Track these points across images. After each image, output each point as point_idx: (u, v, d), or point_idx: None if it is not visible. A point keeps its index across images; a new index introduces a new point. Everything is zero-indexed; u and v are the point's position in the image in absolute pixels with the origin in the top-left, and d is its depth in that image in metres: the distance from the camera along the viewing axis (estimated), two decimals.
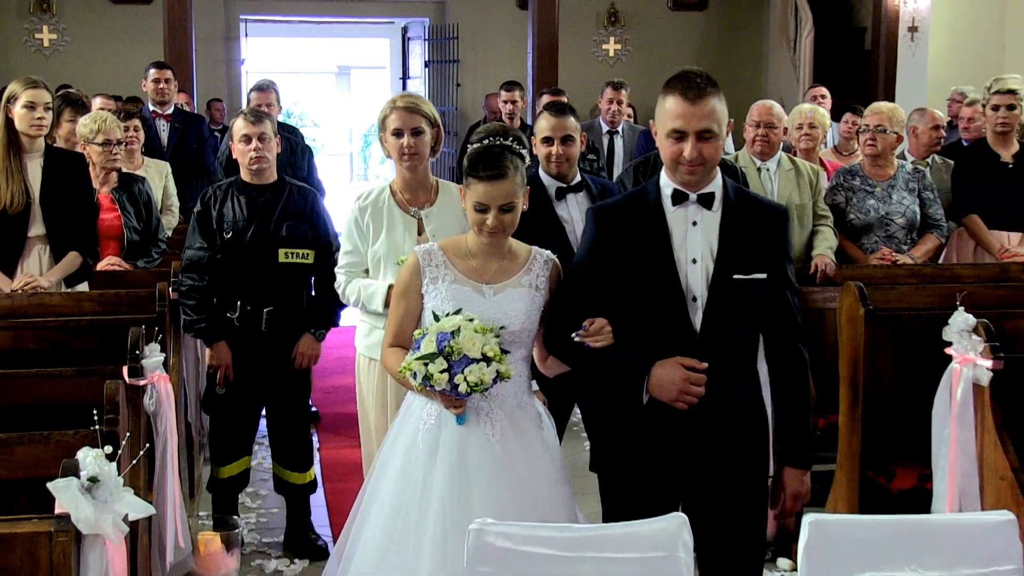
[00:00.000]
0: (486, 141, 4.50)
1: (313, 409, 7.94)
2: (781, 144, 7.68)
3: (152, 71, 10.55)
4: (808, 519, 3.28)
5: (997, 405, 5.28)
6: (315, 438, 6.35)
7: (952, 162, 8.79)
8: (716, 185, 4.12)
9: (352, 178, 26.19)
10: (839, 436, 6.29)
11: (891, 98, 11.33)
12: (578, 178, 5.98)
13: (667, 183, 4.13)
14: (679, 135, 3.96)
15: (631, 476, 4.36)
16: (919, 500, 5.67)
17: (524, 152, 4.54)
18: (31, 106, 6.57)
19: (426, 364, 4.08)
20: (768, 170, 7.43)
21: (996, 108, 8.25)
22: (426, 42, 19.28)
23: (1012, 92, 8.24)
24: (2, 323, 5.69)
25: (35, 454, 3.94)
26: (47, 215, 6.70)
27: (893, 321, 5.98)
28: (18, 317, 5.88)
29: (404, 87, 19.81)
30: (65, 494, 3.32)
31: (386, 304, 5.19)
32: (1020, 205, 8.26)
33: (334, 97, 23.34)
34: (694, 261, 4.06)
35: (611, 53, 19.06)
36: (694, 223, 4.09)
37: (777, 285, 4.14)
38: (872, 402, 6.02)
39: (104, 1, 17.54)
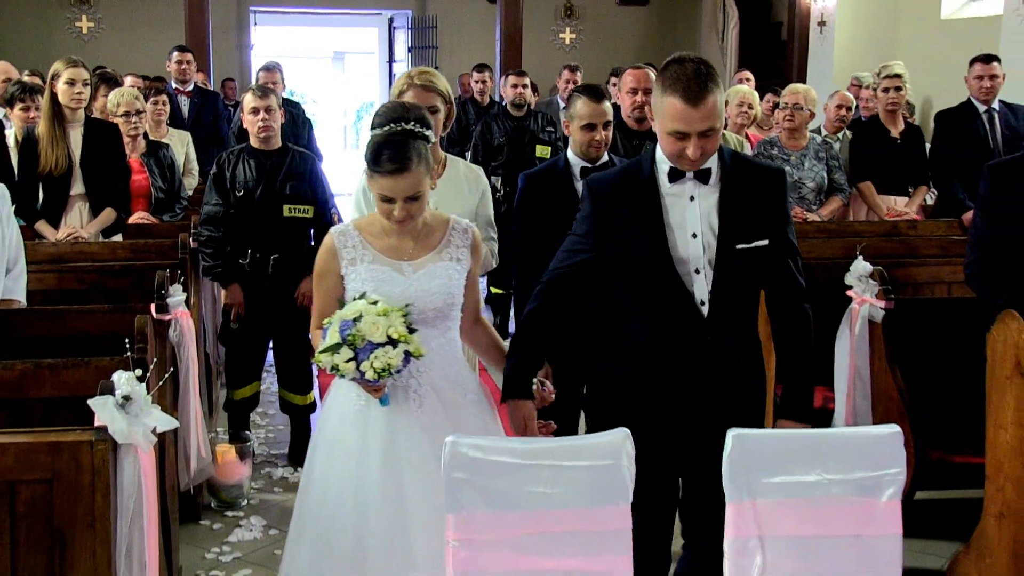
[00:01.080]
0: (388, 127, 3.83)
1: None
2: None
3: (175, 54, 10.58)
4: (731, 433, 3.27)
5: (887, 338, 5.40)
6: (314, 367, 6.35)
7: None
8: (712, 160, 3.67)
9: (345, 147, 26.08)
10: None
11: (803, 81, 11.35)
12: (605, 158, 5.15)
13: (663, 160, 3.67)
14: (681, 135, 3.51)
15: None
16: (823, 417, 5.71)
17: (429, 132, 3.89)
18: (71, 83, 6.61)
19: (332, 355, 3.55)
20: None
21: (886, 90, 8.47)
22: (409, 31, 19.27)
23: (898, 76, 8.43)
24: (49, 267, 5.73)
25: (78, 376, 3.93)
26: (86, 176, 6.76)
27: (804, 269, 5.96)
28: (63, 262, 5.93)
29: (391, 70, 19.92)
30: (103, 409, 3.32)
31: None
32: (906, 174, 8.41)
33: (330, 78, 23.19)
34: (694, 236, 3.64)
35: (567, 41, 19.10)
36: (691, 198, 3.66)
37: (779, 249, 3.73)
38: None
39: None
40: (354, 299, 3.68)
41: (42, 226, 6.55)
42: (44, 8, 17.14)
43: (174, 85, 10.33)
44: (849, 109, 9.06)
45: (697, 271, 3.64)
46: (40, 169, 6.59)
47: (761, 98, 10.42)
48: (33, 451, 3.15)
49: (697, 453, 3.77)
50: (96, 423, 3.33)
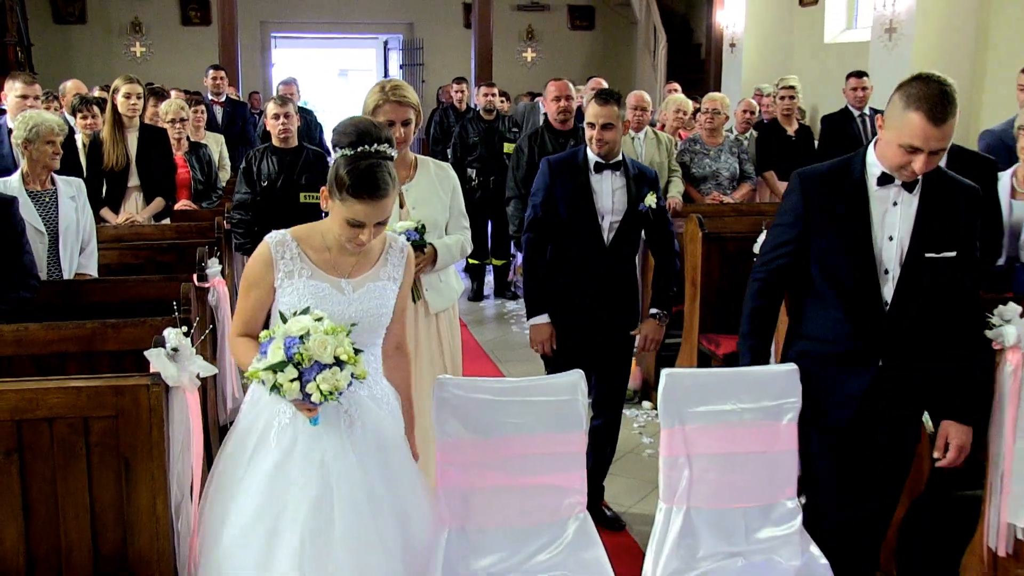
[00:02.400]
0: (361, 148, 2.97)
1: None
2: (648, 121, 7.65)
3: (210, 72, 10.58)
4: (665, 372, 3.29)
5: (786, 292, 5.30)
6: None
7: None
8: None
9: None
10: (684, 319, 6.30)
11: (718, 91, 11.33)
12: (619, 158, 4.67)
13: (875, 163, 3.24)
14: (914, 150, 3.07)
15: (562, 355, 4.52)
16: (735, 359, 5.72)
17: (393, 151, 3.08)
18: (128, 96, 6.70)
19: (275, 373, 2.79)
20: (639, 139, 7.45)
21: (783, 98, 8.72)
22: (400, 51, 19.15)
23: (792, 87, 8.69)
24: (112, 245, 5.70)
25: (136, 333, 3.90)
26: (140, 172, 6.77)
27: (720, 241, 5.99)
28: (122, 241, 5.89)
29: None
30: (156, 359, 3.28)
31: None
32: (799, 164, 8.30)
33: (336, 90, 23.05)
34: (890, 238, 3.21)
35: (528, 59, 19.02)
36: (895, 203, 3.21)
37: (962, 263, 3.24)
38: (705, 295, 6.04)
39: (177, 24, 17.58)
40: (294, 314, 2.91)
41: (105, 212, 6.53)
42: (106, 37, 17.19)
43: (210, 96, 10.29)
44: (754, 113, 9.09)
45: (887, 272, 3.23)
46: (103, 166, 6.65)
47: None
48: (102, 393, 3.13)
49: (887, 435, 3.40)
50: (151, 370, 3.30)
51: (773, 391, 3.33)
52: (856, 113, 8.38)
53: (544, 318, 4.60)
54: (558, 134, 6.52)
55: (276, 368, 2.79)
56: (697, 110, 8.09)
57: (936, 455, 3.36)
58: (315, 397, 2.78)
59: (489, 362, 7.71)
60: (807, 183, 3.34)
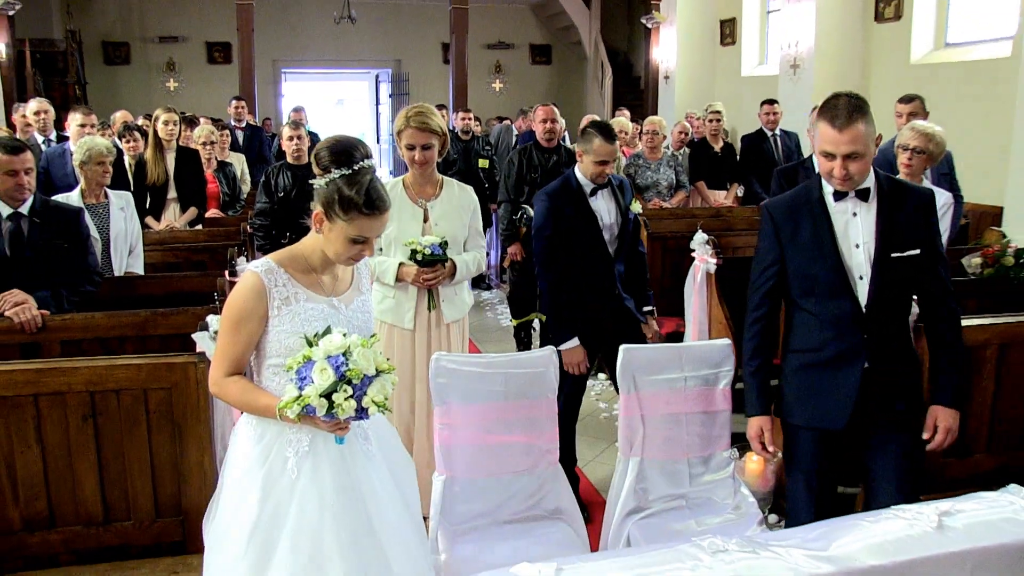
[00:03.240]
0: (358, 166, 2.52)
1: None
2: None
3: (233, 102, 10.51)
4: (622, 348, 3.30)
5: (718, 284, 5.37)
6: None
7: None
8: (870, 180, 2.99)
9: None
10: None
11: (656, 115, 11.35)
12: (604, 180, 4.37)
13: (827, 184, 3.03)
14: (828, 155, 2.92)
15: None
16: (678, 337, 5.79)
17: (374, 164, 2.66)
18: (167, 123, 6.72)
19: (327, 396, 2.32)
20: None
21: (710, 121, 8.62)
22: (390, 83, 19.06)
23: (718, 111, 8.58)
24: (155, 248, 5.69)
25: (181, 320, 3.89)
26: (177, 186, 6.75)
27: (662, 239, 6.04)
28: (163, 244, 5.86)
29: (376, 111, 19.75)
30: (202, 341, 3.32)
31: (397, 278, 4.02)
32: (724, 176, 8.49)
33: (335, 117, 22.91)
34: (857, 246, 2.98)
35: (497, 89, 19.02)
36: (854, 214, 2.99)
37: (929, 257, 3.00)
38: (652, 285, 6.04)
39: (204, 63, 17.57)
40: (317, 335, 2.44)
41: (149, 220, 6.50)
42: (147, 75, 17.27)
43: (232, 122, 10.20)
44: (687, 133, 9.10)
45: (861, 277, 2.98)
46: (147, 182, 6.61)
47: None
48: (158, 369, 3.15)
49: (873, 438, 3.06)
50: (197, 350, 3.32)
51: (711, 362, 3.36)
52: (769, 134, 8.44)
53: (575, 342, 4.25)
54: (544, 150, 6.59)
55: (331, 391, 2.33)
56: (644, 132, 8.11)
57: (926, 436, 3.04)
58: (372, 410, 2.38)
59: (471, 344, 7.74)
60: (774, 210, 3.11)
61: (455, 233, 4.10)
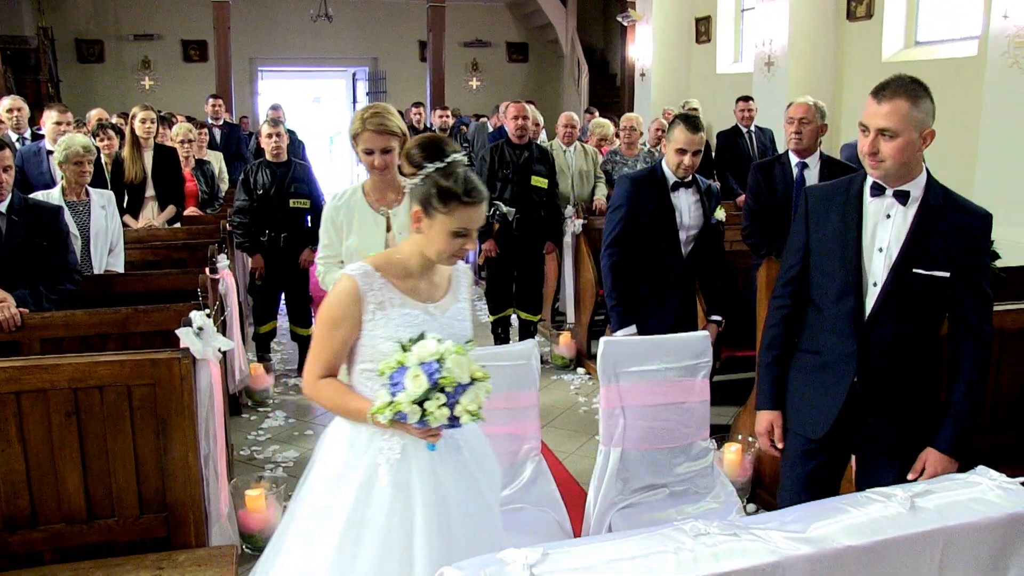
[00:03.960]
0: (449, 160, 2.49)
1: (310, 294, 7.89)
2: (578, 136, 7.70)
3: (210, 100, 10.45)
4: (603, 340, 3.35)
5: (587, 246, 5.29)
6: (312, 310, 6.41)
7: None
8: (917, 185, 2.66)
9: (329, 161, 25.87)
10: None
11: (632, 112, 11.41)
12: (690, 177, 4.34)
13: (871, 175, 2.71)
14: (864, 129, 2.66)
15: None
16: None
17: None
18: (144, 121, 6.65)
19: (420, 404, 2.27)
20: (570, 151, 7.48)
21: None
22: (367, 81, 19.02)
23: (694, 108, 8.60)
24: (136, 246, 5.65)
25: (163, 316, 3.89)
26: (156, 184, 6.69)
27: None
28: (143, 242, 5.81)
29: (354, 111, 19.53)
30: (185, 336, 3.30)
31: None
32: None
33: (312, 115, 22.83)
34: (880, 250, 2.67)
35: (474, 86, 19.03)
36: (888, 216, 2.68)
37: (963, 286, 2.65)
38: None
39: (180, 61, 17.47)
40: (411, 340, 2.39)
41: (127, 219, 6.45)
42: (121, 73, 17.14)
43: (210, 120, 10.16)
44: (662, 130, 9.11)
45: (875, 284, 2.69)
46: (125, 179, 6.57)
47: None
48: (142, 365, 3.15)
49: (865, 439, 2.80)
50: (181, 346, 3.31)
51: (690, 353, 3.42)
52: (744, 130, 8.49)
53: (632, 329, 4.17)
54: (515, 147, 6.59)
55: (424, 398, 2.27)
56: (622, 128, 8.13)
57: (911, 477, 2.69)
58: (465, 419, 2.29)
59: None
60: (811, 195, 2.87)
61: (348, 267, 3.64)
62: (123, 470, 3.17)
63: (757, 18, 11.61)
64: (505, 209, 6.29)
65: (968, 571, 1.97)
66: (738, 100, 8.64)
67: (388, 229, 3.70)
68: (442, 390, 2.27)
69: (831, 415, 2.74)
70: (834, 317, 2.74)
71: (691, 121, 4.22)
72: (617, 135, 8.52)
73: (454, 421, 2.29)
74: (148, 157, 6.65)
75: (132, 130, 6.58)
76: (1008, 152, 7.46)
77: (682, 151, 4.20)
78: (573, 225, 6.97)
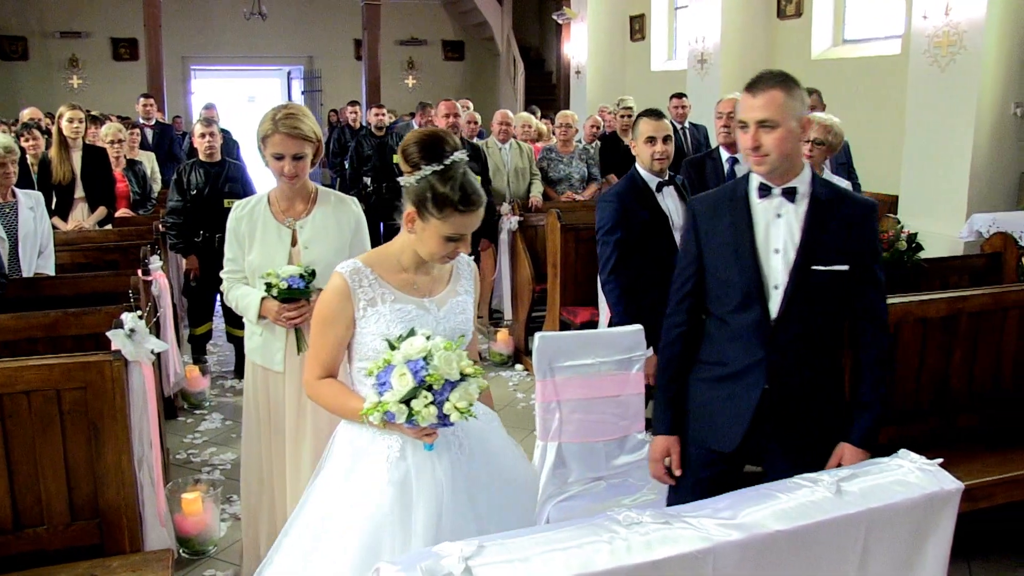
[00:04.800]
0: (449, 161, 2.36)
1: None
2: (512, 134, 7.71)
3: (141, 99, 10.24)
4: (538, 335, 3.34)
5: (523, 243, 5.38)
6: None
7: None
8: (802, 180, 2.62)
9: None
10: (548, 295, 6.42)
11: (568, 109, 11.50)
12: (668, 176, 4.17)
13: (755, 176, 2.65)
14: (743, 126, 2.60)
15: None
16: (591, 326, 5.83)
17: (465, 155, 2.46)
18: (71, 120, 6.53)
19: (407, 403, 2.21)
20: (505, 148, 7.50)
21: (622, 116, 8.63)
22: (302, 80, 18.89)
23: (629, 107, 8.64)
24: (65, 248, 5.53)
25: (95, 319, 3.82)
26: (85, 185, 6.58)
27: (575, 231, 6.06)
28: (73, 245, 5.70)
29: None
30: (117, 338, 3.26)
31: (260, 316, 3.33)
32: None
33: (247, 114, 22.54)
34: (776, 251, 2.60)
35: (410, 85, 19.03)
36: (778, 215, 2.62)
37: (861, 278, 2.62)
38: (564, 275, 6.12)
39: (109, 60, 17.25)
40: (399, 338, 2.33)
41: (55, 221, 6.30)
42: (47, 71, 16.88)
43: (141, 120, 9.98)
44: (598, 127, 9.24)
45: (776, 287, 2.61)
46: (52, 180, 6.44)
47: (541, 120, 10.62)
48: (72, 369, 3.07)
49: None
50: (112, 348, 3.26)
51: (623, 347, 3.43)
52: (678, 127, 8.51)
53: (650, 351, 3.70)
54: None
55: (410, 397, 2.21)
56: (558, 126, 8.17)
57: None
58: (454, 417, 2.21)
59: None
60: (696, 207, 2.78)
61: (329, 258, 3.22)
62: (53, 476, 3.09)
63: (690, 16, 11.78)
64: None
65: (890, 549, 2.04)
66: (672, 97, 8.74)
67: (294, 243, 3.37)
68: (429, 388, 2.20)
69: (742, 426, 2.66)
70: (738, 326, 2.65)
71: (651, 111, 4.17)
72: (553, 132, 8.56)
73: (444, 419, 2.22)
74: (77, 158, 6.53)
75: (59, 130, 6.44)
76: (931, 147, 7.69)
77: (651, 139, 4.07)
78: (509, 222, 7.00)
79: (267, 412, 3.42)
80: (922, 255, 4.91)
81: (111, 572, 3.06)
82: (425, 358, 2.22)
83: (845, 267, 2.59)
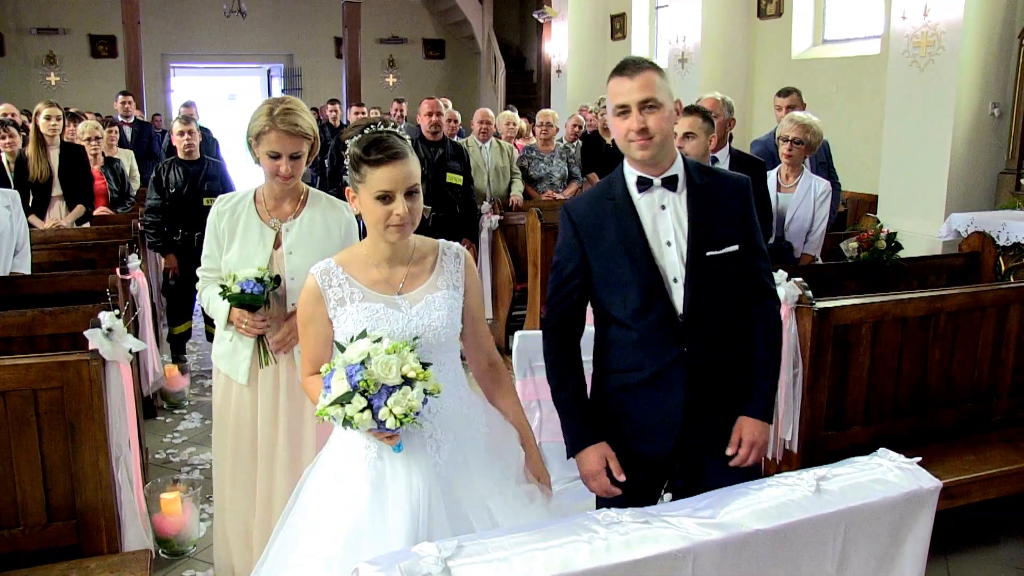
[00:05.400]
0: (367, 130, 2.37)
1: None
2: (493, 133, 7.71)
3: (120, 97, 10.17)
4: (518, 334, 3.36)
5: (504, 242, 5.41)
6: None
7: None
8: (678, 167, 2.55)
9: (242, 159, 25.35)
10: (528, 294, 6.43)
11: (549, 108, 11.51)
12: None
13: (631, 171, 2.57)
14: (623, 112, 2.49)
15: None
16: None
17: (400, 130, 2.42)
18: (49, 118, 6.44)
19: (343, 406, 2.16)
20: (485, 147, 7.49)
21: (602, 115, 8.58)
22: (282, 78, 18.81)
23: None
24: (43, 247, 5.47)
25: (72, 318, 3.78)
26: (63, 183, 6.50)
27: (555, 230, 6.04)
28: (50, 243, 5.65)
29: None
30: (94, 337, 3.22)
31: (229, 321, 3.18)
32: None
33: (226, 112, 22.41)
34: (668, 243, 2.51)
35: (391, 83, 18.93)
36: (663, 207, 2.53)
37: (747, 253, 2.55)
38: (544, 274, 6.07)
39: (87, 57, 17.06)
40: (352, 339, 2.29)
41: (33, 219, 6.25)
42: (24, 68, 16.68)
43: (120, 118, 9.90)
44: (580, 127, 9.24)
45: (675, 280, 2.52)
46: (29, 179, 6.36)
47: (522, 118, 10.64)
48: (49, 368, 3.04)
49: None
50: (90, 347, 3.23)
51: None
52: None
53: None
54: (429, 144, 6.57)
55: (342, 401, 2.17)
56: (538, 124, 8.17)
57: (729, 451, 2.59)
58: (390, 423, 2.15)
59: None
60: (573, 210, 2.65)
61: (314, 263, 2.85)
62: (28, 477, 3.06)
63: (671, 15, 11.81)
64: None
65: (869, 547, 2.05)
66: None
67: (276, 246, 3.17)
68: (363, 393, 2.15)
69: (674, 426, 2.56)
70: (646, 328, 2.53)
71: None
72: (533, 131, 8.56)
73: (380, 425, 2.17)
74: (54, 155, 6.45)
75: (36, 127, 6.37)
76: (910, 146, 7.75)
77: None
78: (489, 221, 6.99)
79: (235, 422, 3.30)
80: (901, 254, 4.94)
81: (89, 573, 3.03)
82: (363, 362, 2.17)
83: (735, 247, 2.53)
